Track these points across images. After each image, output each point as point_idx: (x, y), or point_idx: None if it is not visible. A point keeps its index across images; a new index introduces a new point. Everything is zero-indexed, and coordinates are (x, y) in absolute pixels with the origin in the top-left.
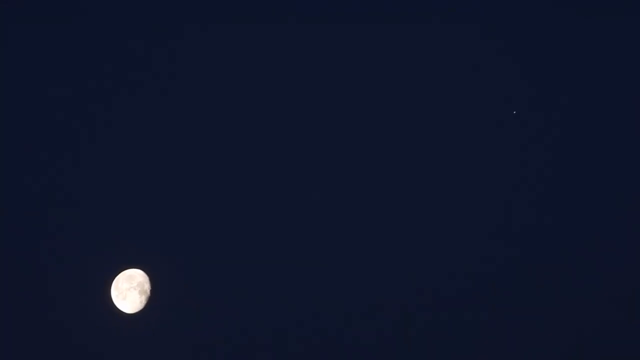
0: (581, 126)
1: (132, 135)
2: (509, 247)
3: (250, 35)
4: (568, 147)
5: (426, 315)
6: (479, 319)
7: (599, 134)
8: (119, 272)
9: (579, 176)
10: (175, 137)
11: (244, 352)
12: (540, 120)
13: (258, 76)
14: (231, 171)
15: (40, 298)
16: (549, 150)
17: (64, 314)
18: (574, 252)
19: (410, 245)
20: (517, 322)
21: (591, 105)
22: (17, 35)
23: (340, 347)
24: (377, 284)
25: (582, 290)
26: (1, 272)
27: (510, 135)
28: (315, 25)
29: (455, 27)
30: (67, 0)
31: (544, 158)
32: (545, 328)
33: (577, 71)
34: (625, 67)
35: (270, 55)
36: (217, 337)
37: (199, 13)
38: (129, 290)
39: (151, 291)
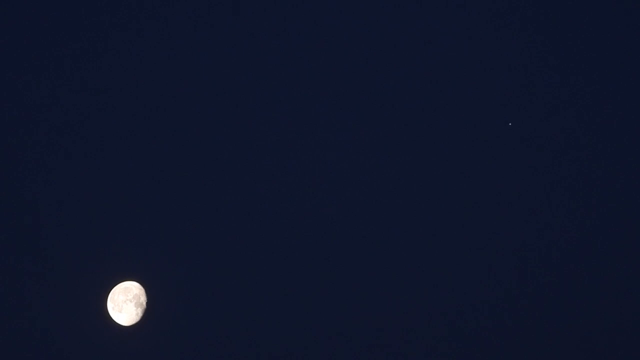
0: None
1: (131, 151)
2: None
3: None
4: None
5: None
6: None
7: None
8: (115, 285)
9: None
10: (172, 153)
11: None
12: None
13: (257, 78)
14: (224, 187)
15: (37, 310)
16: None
17: (60, 327)
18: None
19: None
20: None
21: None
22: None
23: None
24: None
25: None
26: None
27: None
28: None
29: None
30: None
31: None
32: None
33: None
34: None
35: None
36: (212, 349)
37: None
38: (125, 303)
39: (147, 304)
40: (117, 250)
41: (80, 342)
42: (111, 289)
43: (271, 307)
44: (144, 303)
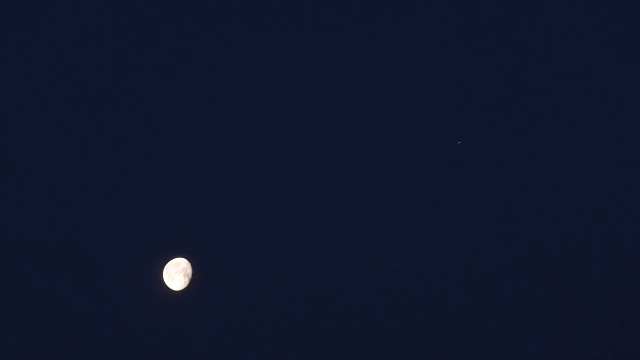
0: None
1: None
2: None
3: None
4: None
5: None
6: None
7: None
8: (169, 260)
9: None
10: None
11: (265, 321)
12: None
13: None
14: (258, 177)
15: (113, 281)
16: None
17: (130, 292)
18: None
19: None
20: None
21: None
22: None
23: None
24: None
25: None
26: (88, 263)
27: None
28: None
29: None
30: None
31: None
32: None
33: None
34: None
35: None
36: (244, 310)
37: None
38: (177, 274)
39: (193, 274)
40: (171, 236)
41: (144, 304)
42: (166, 264)
43: (290, 279)
44: (190, 274)
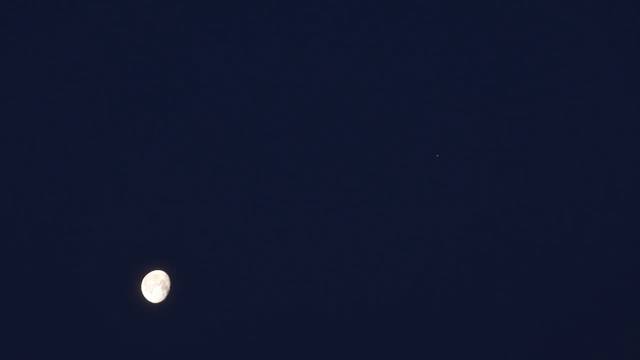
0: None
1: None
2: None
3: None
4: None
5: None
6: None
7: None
8: (147, 272)
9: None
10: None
11: (243, 334)
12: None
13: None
14: (237, 184)
15: (90, 293)
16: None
17: (107, 304)
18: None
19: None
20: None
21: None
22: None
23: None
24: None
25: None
26: (64, 275)
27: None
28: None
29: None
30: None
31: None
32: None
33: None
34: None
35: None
36: (222, 322)
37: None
38: (155, 286)
39: (170, 287)
40: (149, 249)
41: (122, 315)
42: (144, 276)
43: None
44: (168, 286)
